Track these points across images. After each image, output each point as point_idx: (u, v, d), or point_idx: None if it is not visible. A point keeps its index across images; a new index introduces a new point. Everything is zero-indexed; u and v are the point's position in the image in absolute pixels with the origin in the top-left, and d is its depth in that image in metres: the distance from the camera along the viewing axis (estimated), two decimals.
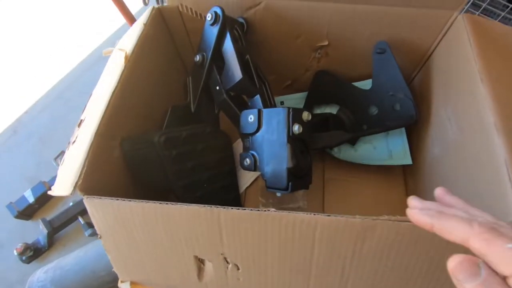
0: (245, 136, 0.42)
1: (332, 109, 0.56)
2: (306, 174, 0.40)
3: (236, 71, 0.42)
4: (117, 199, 0.33)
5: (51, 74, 1.12)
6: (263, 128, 0.40)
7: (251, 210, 0.30)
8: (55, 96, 1.07)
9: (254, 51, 0.52)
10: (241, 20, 0.47)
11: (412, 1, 0.41)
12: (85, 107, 0.48)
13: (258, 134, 0.40)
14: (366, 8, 0.43)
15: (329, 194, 0.54)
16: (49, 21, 1.28)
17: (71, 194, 0.33)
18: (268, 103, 0.44)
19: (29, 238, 0.93)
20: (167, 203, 0.32)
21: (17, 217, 0.93)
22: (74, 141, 0.42)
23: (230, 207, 0.30)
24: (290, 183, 0.38)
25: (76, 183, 0.33)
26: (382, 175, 0.54)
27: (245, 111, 0.41)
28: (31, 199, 0.94)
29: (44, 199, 0.97)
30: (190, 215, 0.31)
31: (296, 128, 0.37)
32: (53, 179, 1.00)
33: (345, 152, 0.54)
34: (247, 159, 0.41)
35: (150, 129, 0.44)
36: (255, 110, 0.40)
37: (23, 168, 1.01)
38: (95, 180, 0.36)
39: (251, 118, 0.41)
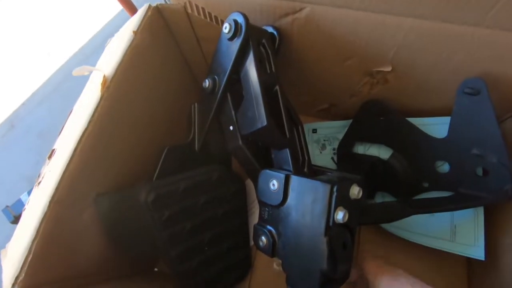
0: (263, 204, 0.30)
1: (381, 152, 0.43)
2: (345, 272, 0.28)
3: (258, 113, 0.29)
4: None
5: (48, 64, 1.01)
6: (290, 202, 0.28)
7: None
8: (53, 88, 0.97)
9: (285, 68, 0.39)
10: (271, 30, 0.33)
11: None
12: (61, 130, 0.38)
13: (281, 208, 0.28)
14: (465, 30, 0.28)
15: None
16: (45, 9, 1.15)
17: None
18: (300, 160, 0.31)
19: None
20: None
21: (13, 222, 0.87)
22: (39, 182, 0.31)
23: None
24: None
25: (17, 278, 0.23)
26: (435, 255, 0.40)
27: (267, 172, 0.29)
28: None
29: None
30: None
31: (341, 216, 0.25)
32: None
33: None
34: (263, 237, 0.30)
35: (138, 177, 0.33)
36: (281, 176, 0.28)
37: (21, 166, 0.94)
38: (49, 264, 0.25)
39: (273, 185, 0.28)
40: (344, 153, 0.45)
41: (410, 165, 0.39)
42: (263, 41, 0.32)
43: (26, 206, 0.33)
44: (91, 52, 1.00)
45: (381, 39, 0.32)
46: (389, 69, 0.35)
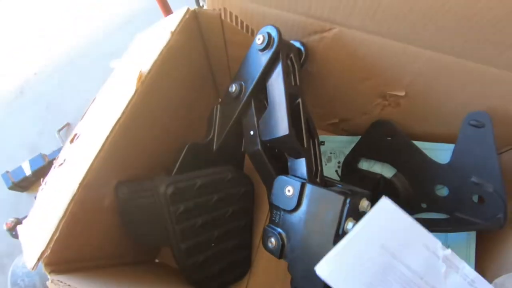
0: (276, 208, 0.32)
1: (384, 170, 0.45)
2: None
3: (281, 123, 0.31)
4: None
5: (65, 37, 1.01)
6: (303, 208, 0.30)
7: None
8: (67, 62, 0.98)
9: (305, 80, 0.41)
10: (298, 45, 0.36)
11: None
12: (83, 115, 0.39)
13: (294, 214, 0.30)
14: (478, 68, 0.31)
15: None
16: None
17: (33, 269, 0.25)
18: (314, 170, 0.33)
19: (22, 210, 0.88)
20: None
21: (11, 188, 0.87)
22: (61, 164, 0.33)
23: None
24: None
25: (43, 254, 0.25)
26: None
27: (283, 179, 0.31)
28: (28, 172, 0.88)
29: (41, 173, 0.90)
30: None
31: (350, 226, 0.27)
32: (54, 153, 0.93)
33: None
34: (273, 239, 0.32)
35: (157, 170, 0.35)
36: (297, 183, 0.30)
37: (24, 135, 0.94)
38: (71, 244, 0.27)
39: (289, 191, 0.30)
40: (349, 167, 0.47)
41: (411, 186, 0.42)
42: (291, 55, 0.34)
43: (43, 186, 0.34)
44: (110, 33, 1.00)
45: (400, 66, 0.34)
46: (402, 94, 0.38)
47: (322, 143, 0.51)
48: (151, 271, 0.40)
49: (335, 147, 0.50)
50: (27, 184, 0.90)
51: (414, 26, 0.29)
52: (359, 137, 0.47)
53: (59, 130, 0.95)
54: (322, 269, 0.24)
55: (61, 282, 0.24)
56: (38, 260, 0.24)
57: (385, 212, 0.24)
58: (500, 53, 0.28)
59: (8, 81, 0.97)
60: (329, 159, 0.50)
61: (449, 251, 0.23)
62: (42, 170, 0.89)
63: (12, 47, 1.02)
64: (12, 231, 0.85)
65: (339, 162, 0.50)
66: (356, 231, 0.24)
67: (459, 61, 0.31)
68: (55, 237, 0.25)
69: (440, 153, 0.40)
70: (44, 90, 0.97)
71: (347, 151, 0.48)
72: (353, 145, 0.47)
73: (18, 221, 0.85)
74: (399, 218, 0.24)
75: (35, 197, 0.84)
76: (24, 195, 0.91)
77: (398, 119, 0.43)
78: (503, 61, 0.29)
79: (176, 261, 0.36)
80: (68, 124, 0.97)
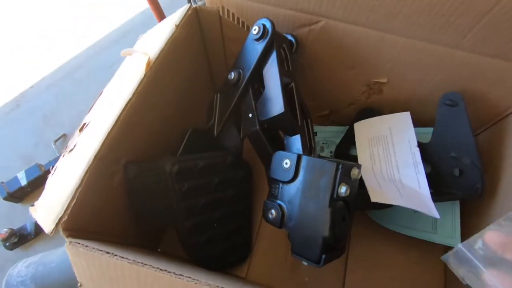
0: (275, 182, 0.34)
1: None
2: (343, 242, 0.33)
3: (277, 102, 0.34)
4: (108, 253, 0.25)
5: (62, 50, 1.04)
6: (300, 178, 0.32)
7: None
8: (64, 74, 1.01)
9: (297, 73, 0.44)
10: (290, 38, 0.40)
11: (509, 54, 0.33)
12: (91, 107, 0.41)
13: (292, 184, 0.33)
14: (446, 51, 0.35)
15: (353, 254, 0.46)
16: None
17: (51, 233, 0.26)
18: (308, 146, 0.36)
19: (17, 221, 0.87)
20: (169, 272, 0.24)
21: (6, 199, 0.87)
22: (71, 150, 0.35)
23: None
24: (323, 256, 0.30)
25: (60, 219, 0.26)
26: (418, 240, 0.46)
27: (281, 153, 0.34)
28: (23, 182, 0.88)
29: (37, 183, 0.90)
30: None
31: (344, 190, 0.30)
32: (50, 163, 0.94)
33: (376, 210, 0.46)
34: (273, 211, 0.34)
35: (162, 153, 0.37)
36: (294, 155, 0.32)
37: (20, 146, 0.95)
38: (85, 214, 0.28)
39: (286, 164, 0.33)
40: (341, 154, 0.51)
41: None
42: (284, 45, 0.38)
43: (53, 172, 0.36)
44: (106, 46, 1.03)
45: (380, 54, 0.38)
46: (384, 80, 0.42)
47: (315, 134, 0.54)
48: (158, 255, 0.41)
49: (327, 137, 0.53)
50: (22, 194, 0.90)
51: (386, 16, 0.33)
52: (348, 127, 0.51)
53: (56, 141, 0.96)
54: None
55: (79, 243, 0.25)
56: (57, 225, 0.26)
57: (403, 117, 0.42)
58: (464, 35, 0.33)
59: (4, 94, 0.99)
60: (322, 149, 0.53)
61: (419, 158, 0.39)
62: (38, 180, 0.89)
63: (12, 47, 1.04)
64: (6, 242, 0.83)
65: (331, 152, 0.53)
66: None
67: (430, 46, 0.35)
68: (72, 204, 0.27)
69: (421, 136, 0.44)
70: (40, 103, 0.99)
71: (338, 141, 0.51)
72: (343, 134, 0.51)
73: (13, 232, 0.84)
74: (408, 125, 0.41)
75: (31, 208, 0.84)
76: (19, 206, 0.90)
77: (383, 106, 0.47)
78: (467, 43, 0.34)
79: (180, 239, 0.37)
80: (64, 135, 0.98)
